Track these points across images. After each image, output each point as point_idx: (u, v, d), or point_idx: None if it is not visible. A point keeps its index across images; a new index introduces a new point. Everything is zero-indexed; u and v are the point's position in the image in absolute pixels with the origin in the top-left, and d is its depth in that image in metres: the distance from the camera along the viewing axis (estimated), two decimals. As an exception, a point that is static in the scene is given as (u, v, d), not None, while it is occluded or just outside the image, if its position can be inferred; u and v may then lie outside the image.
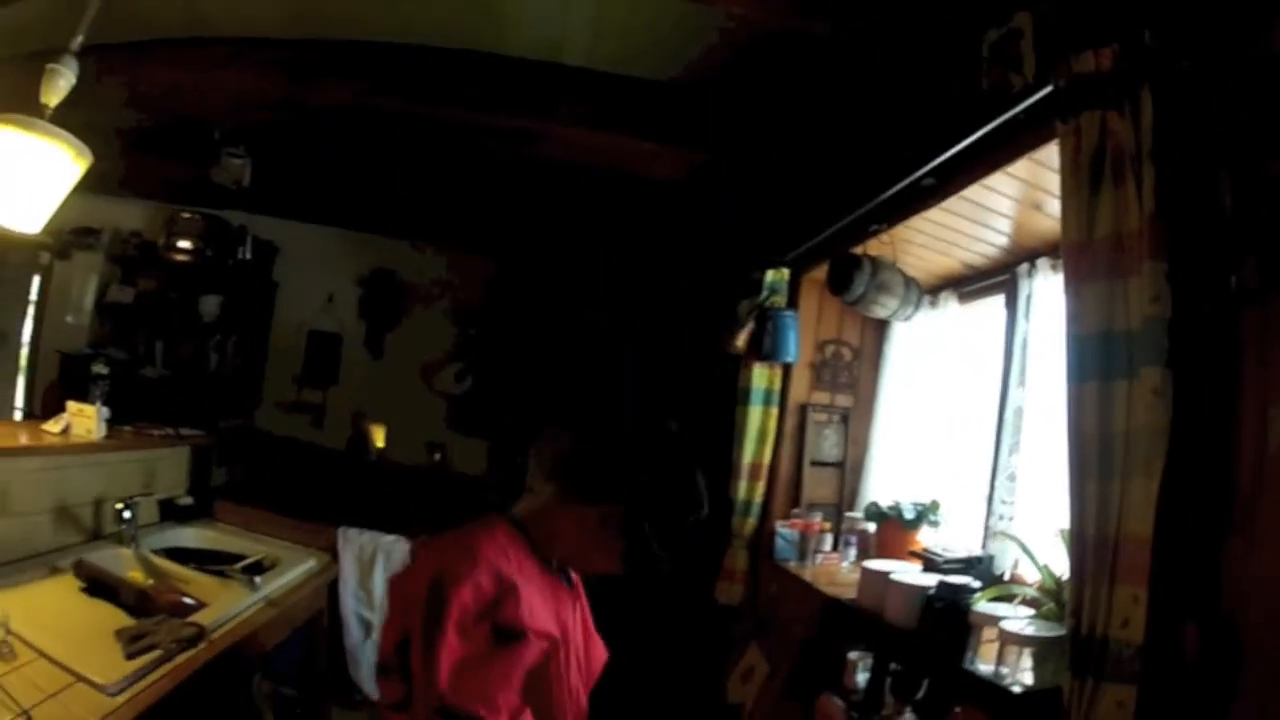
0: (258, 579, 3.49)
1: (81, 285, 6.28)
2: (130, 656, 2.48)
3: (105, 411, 3.74)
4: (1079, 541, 1.76)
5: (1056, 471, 2.51)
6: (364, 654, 4.37)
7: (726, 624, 4.12)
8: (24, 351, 6.27)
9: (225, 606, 3.12)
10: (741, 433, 3.93)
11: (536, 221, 5.78)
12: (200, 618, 2.91)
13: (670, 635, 4.75)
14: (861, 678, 2.66)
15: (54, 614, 2.75)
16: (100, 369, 4.10)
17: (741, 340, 3.79)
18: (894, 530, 3.41)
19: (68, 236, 6.13)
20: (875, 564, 2.82)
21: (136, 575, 3.33)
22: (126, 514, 3.60)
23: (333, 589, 4.29)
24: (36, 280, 6.27)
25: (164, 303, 6.25)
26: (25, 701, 2.08)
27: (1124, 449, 1.67)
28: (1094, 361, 1.74)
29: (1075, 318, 1.79)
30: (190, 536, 4.11)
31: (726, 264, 4.34)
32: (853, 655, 2.72)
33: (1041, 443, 2.85)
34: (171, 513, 4.19)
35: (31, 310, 6.29)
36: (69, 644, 2.47)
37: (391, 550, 4.40)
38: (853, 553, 3.61)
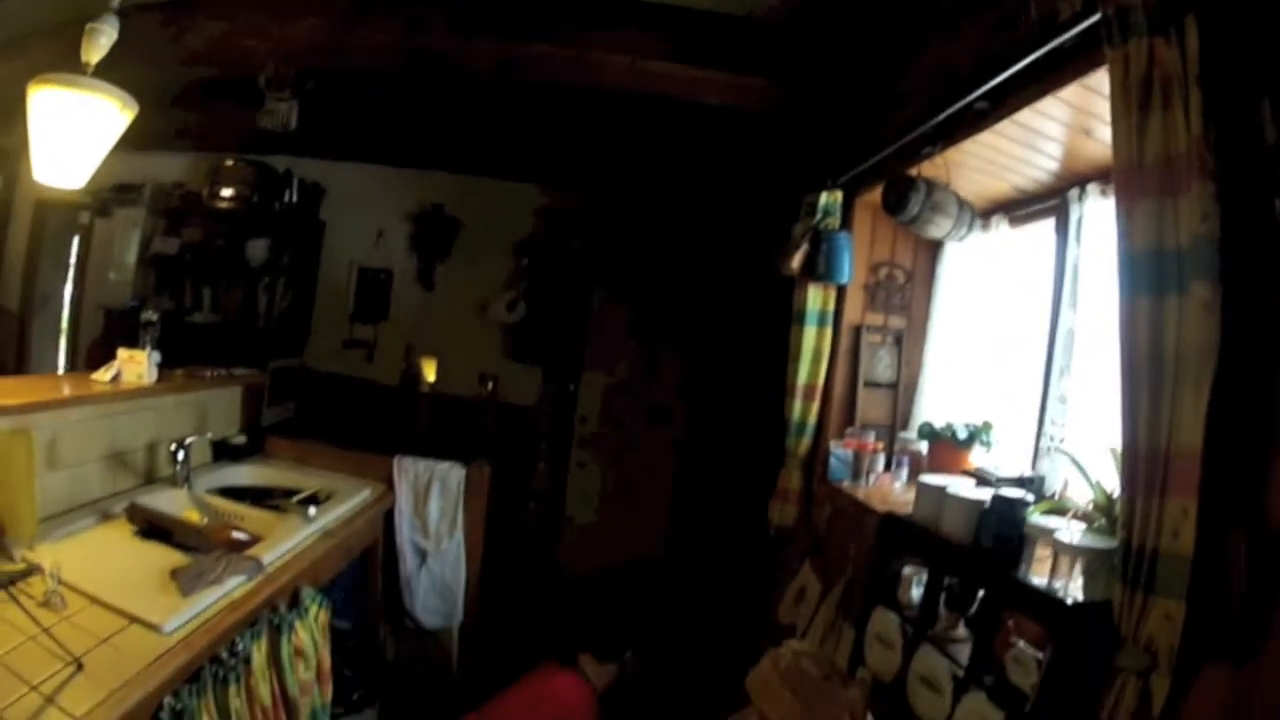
0: (312, 510, 3.54)
1: (124, 241, 6.37)
2: (187, 594, 2.52)
3: (156, 356, 3.76)
4: (1130, 455, 1.77)
5: (1106, 393, 2.60)
6: (419, 583, 4.46)
7: (777, 549, 4.16)
8: (65, 312, 6.39)
9: (281, 539, 3.17)
10: (796, 353, 3.92)
11: (579, 151, 5.77)
12: (257, 551, 2.97)
13: (720, 567, 4.83)
14: (916, 593, 2.66)
15: (107, 560, 2.79)
16: (150, 315, 4.11)
17: (796, 261, 3.75)
18: (947, 450, 3.40)
19: (107, 194, 6.23)
20: (931, 478, 2.79)
21: (191, 515, 3.38)
22: (180, 454, 3.64)
23: (388, 519, 4.36)
24: (76, 241, 6.36)
25: (210, 250, 6.31)
26: (77, 649, 2.09)
27: (1174, 363, 1.68)
28: (1145, 277, 1.74)
29: (1126, 235, 1.79)
30: (244, 474, 4.17)
31: (779, 188, 4.34)
32: (907, 570, 2.71)
33: (1092, 365, 2.84)
34: (224, 452, 4.25)
35: (72, 271, 6.37)
36: (122, 588, 2.51)
37: (447, 477, 4.47)
38: (905, 473, 3.61)
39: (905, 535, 2.74)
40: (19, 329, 6.21)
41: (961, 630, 2.43)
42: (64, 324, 6.38)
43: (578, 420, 6.47)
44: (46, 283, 6.31)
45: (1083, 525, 2.16)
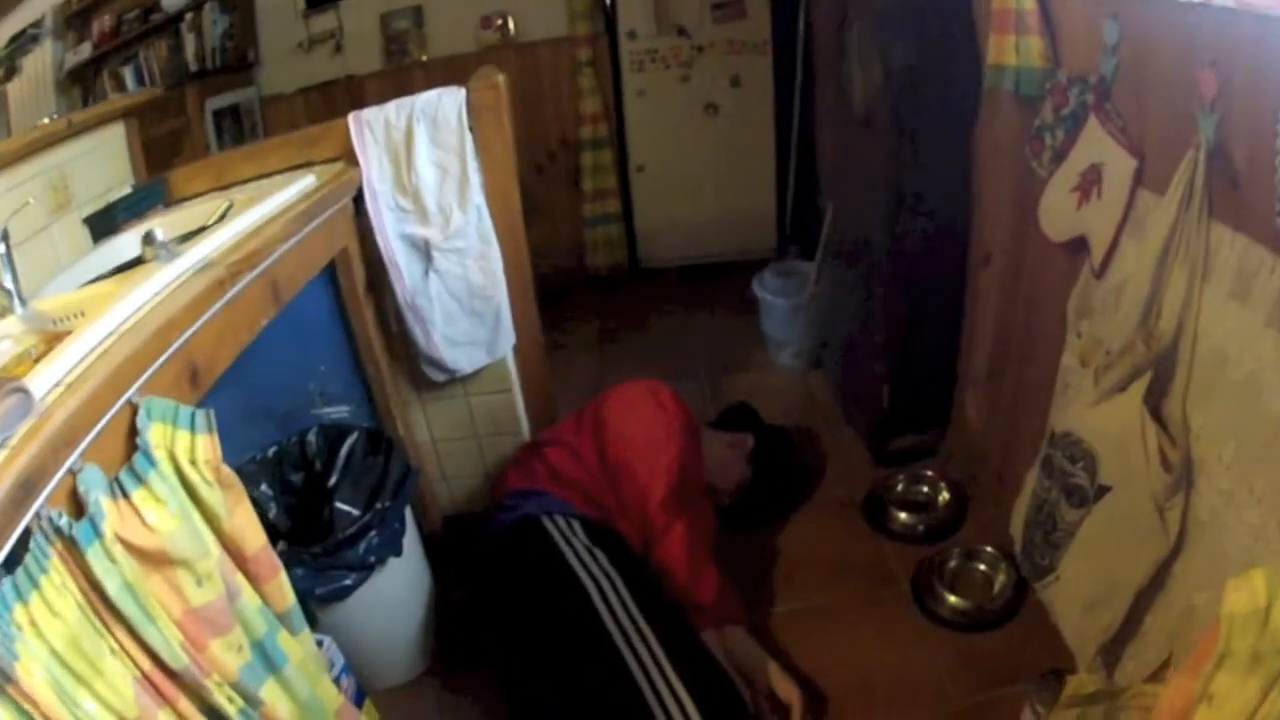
0: (159, 233, 2.06)
1: (39, 86, 5.31)
2: None
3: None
4: None
5: None
6: (430, 300, 2.84)
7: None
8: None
9: (99, 315, 1.59)
10: None
11: None
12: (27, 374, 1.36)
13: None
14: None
15: None
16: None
17: None
18: None
19: (6, 52, 5.13)
20: None
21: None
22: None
23: (362, 216, 2.71)
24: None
25: (124, 28, 5.43)
26: None
27: None
28: None
29: None
30: (131, 244, 2.56)
31: None
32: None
33: None
34: (105, 223, 2.74)
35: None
36: None
37: (438, 110, 2.69)
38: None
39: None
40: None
41: None
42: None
43: (625, 38, 5.14)
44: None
45: None
